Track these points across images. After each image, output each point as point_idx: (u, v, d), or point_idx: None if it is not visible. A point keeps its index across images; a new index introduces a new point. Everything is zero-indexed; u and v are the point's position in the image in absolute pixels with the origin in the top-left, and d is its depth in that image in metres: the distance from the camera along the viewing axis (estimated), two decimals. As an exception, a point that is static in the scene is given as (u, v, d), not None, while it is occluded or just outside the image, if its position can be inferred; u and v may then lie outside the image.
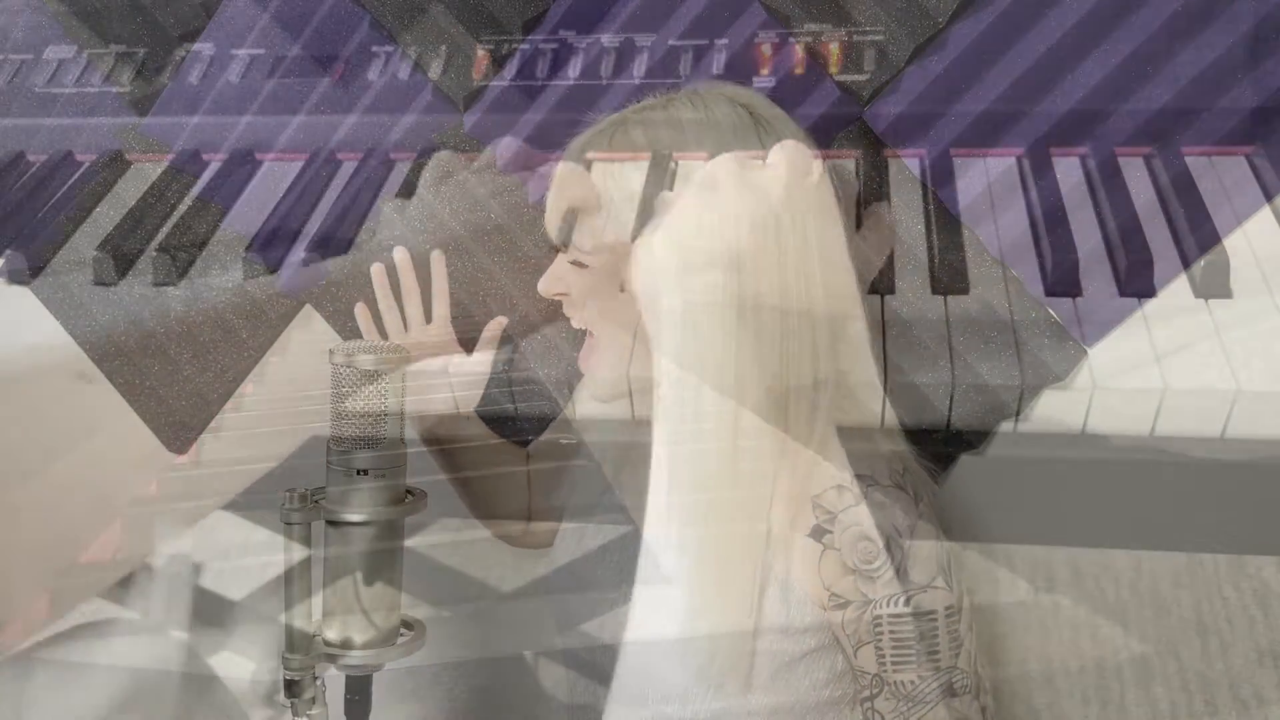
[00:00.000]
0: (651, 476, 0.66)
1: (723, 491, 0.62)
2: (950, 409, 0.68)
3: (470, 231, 0.65)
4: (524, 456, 0.83)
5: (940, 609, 0.63)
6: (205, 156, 0.94)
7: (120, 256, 0.84)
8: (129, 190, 0.92)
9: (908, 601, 0.63)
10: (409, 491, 0.58)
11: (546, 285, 0.67)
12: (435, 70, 0.90)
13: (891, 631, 0.63)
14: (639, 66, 0.87)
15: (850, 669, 0.65)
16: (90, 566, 0.84)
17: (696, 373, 0.60)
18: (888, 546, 0.63)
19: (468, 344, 0.67)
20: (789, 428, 0.62)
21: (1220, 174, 0.80)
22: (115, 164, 0.95)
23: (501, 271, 0.66)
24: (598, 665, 0.80)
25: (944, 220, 0.77)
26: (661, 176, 0.66)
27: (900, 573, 0.63)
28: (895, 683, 0.63)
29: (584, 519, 0.79)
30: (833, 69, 0.85)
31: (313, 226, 0.85)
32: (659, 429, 0.63)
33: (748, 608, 0.63)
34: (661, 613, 0.66)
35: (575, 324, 0.69)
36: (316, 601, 0.56)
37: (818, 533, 0.63)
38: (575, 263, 0.67)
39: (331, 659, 0.57)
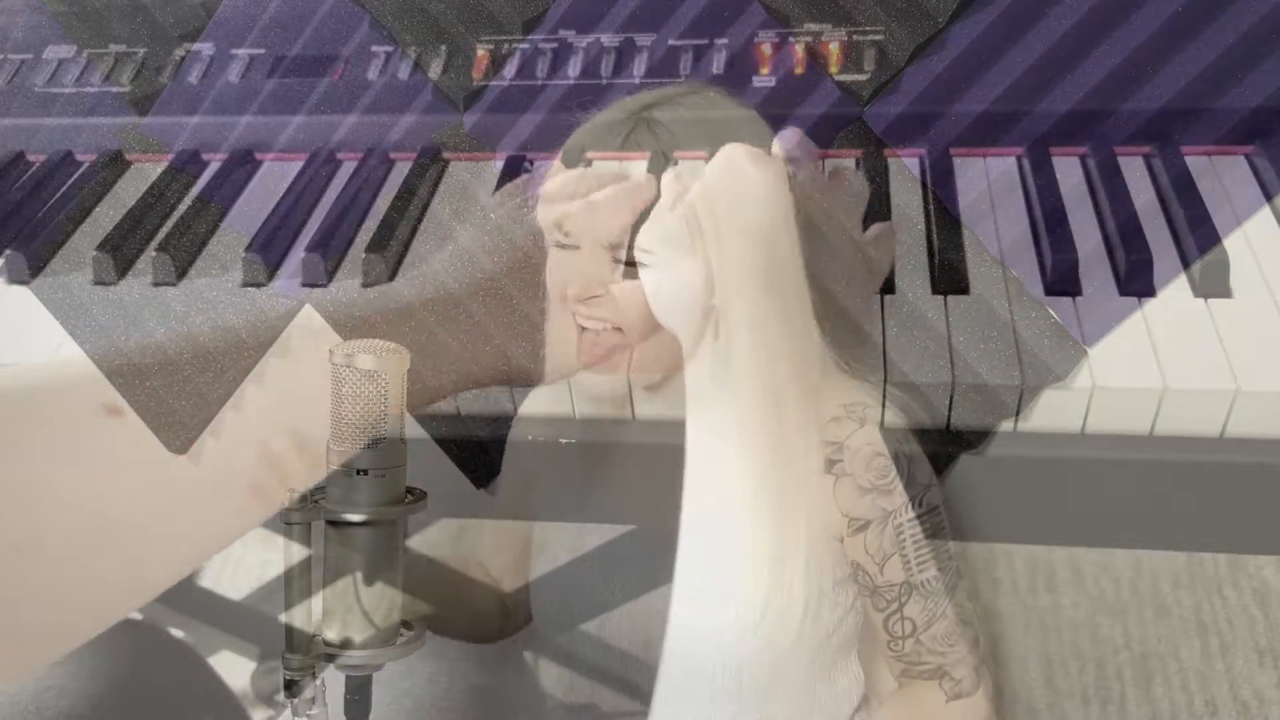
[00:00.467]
0: (723, 461, 0.67)
1: (786, 456, 0.65)
2: (950, 409, 0.68)
3: (501, 264, 0.65)
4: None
5: (940, 503, 0.67)
6: (205, 156, 0.95)
7: (120, 256, 0.84)
8: (129, 190, 0.92)
9: (920, 502, 0.66)
10: (409, 491, 0.58)
11: (582, 289, 0.66)
12: (435, 70, 0.90)
13: (912, 535, 0.66)
14: (639, 66, 0.87)
15: (871, 589, 0.67)
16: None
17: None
18: (895, 457, 0.65)
19: None
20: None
21: (1220, 174, 0.80)
22: (115, 164, 0.95)
23: (535, 309, 0.66)
24: (598, 665, 0.80)
25: (944, 220, 0.77)
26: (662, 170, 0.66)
27: (910, 478, 0.66)
28: (921, 583, 0.66)
29: (579, 519, 0.79)
30: (833, 69, 0.85)
31: (313, 226, 0.85)
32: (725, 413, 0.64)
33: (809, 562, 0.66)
34: (720, 597, 0.67)
35: (593, 325, 0.68)
36: (316, 601, 0.56)
37: (828, 465, 0.65)
38: (629, 263, 0.67)
39: (331, 659, 0.56)
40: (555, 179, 0.68)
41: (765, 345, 0.64)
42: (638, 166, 0.67)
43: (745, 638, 0.67)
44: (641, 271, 0.66)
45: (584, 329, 0.68)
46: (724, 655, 0.68)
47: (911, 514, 0.66)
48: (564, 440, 0.77)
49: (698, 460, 0.67)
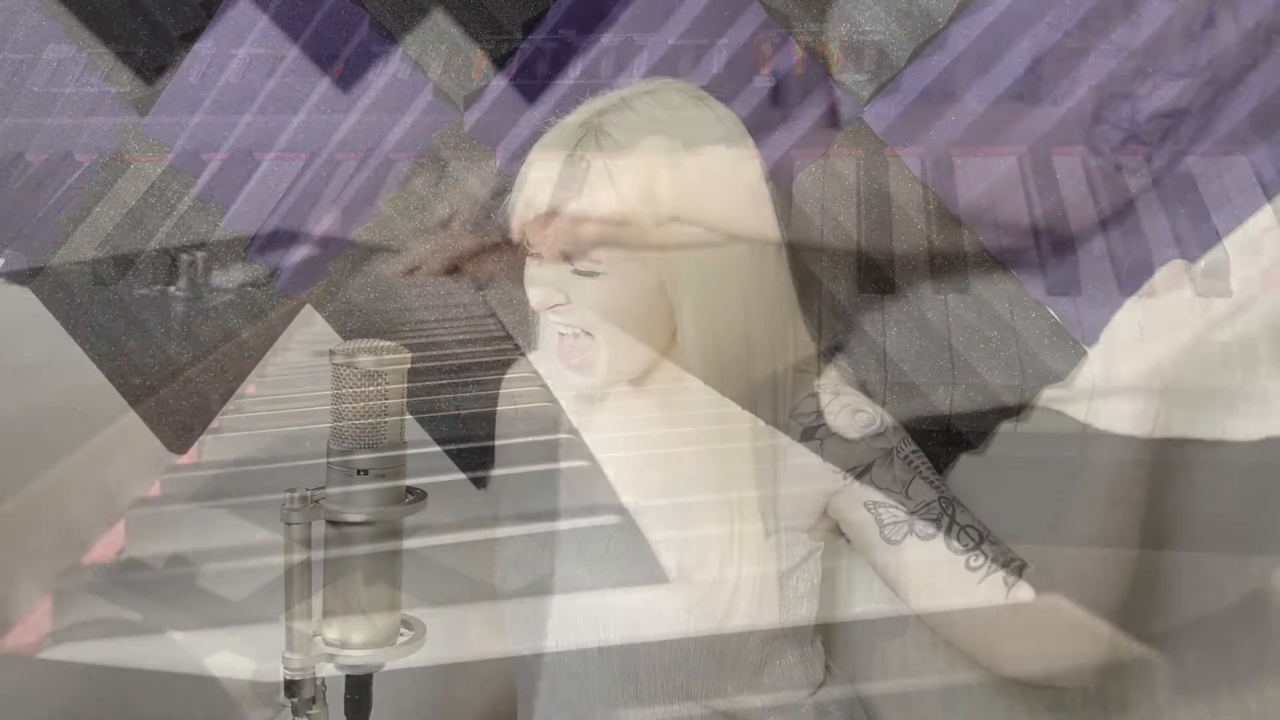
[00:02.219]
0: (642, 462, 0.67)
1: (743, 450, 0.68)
2: (950, 409, 0.68)
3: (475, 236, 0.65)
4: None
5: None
6: (205, 156, 0.95)
7: (120, 256, 0.84)
8: (129, 190, 0.92)
9: (908, 441, 0.68)
10: (409, 491, 0.58)
11: (545, 298, 0.68)
12: (435, 70, 0.90)
13: (922, 462, 0.67)
14: (639, 66, 0.87)
15: (909, 516, 0.68)
16: (93, 568, 0.84)
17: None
18: (877, 409, 0.68)
19: None
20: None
21: (1220, 174, 0.80)
22: (115, 164, 0.95)
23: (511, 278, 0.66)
24: (598, 664, 0.80)
25: (944, 220, 0.77)
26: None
27: (896, 428, 0.68)
28: (953, 498, 0.67)
29: (581, 521, 0.79)
30: (833, 69, 0.85)
31: (313, 226, 0.85)
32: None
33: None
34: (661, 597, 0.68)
35: (563, 329, 0.69)
36: (316, 601, 0.56)
37: (808, 435, 0.67)
38: (585, 272, 0.68)
39: (331, 659, 0.57)
40: (517, 192, 0.69)
41: (718, 345, 0.66)
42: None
43: (696, 618, 0.68)
44: (596, 280, 0.67)
45: (561, 334, 0.69)
46: (674, 635, 0.69)
47: (913, 446, 0.67)
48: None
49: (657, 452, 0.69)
